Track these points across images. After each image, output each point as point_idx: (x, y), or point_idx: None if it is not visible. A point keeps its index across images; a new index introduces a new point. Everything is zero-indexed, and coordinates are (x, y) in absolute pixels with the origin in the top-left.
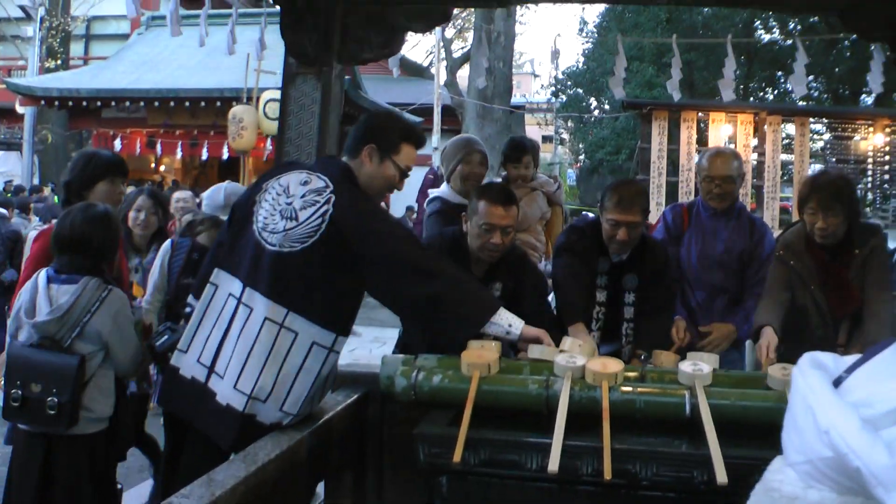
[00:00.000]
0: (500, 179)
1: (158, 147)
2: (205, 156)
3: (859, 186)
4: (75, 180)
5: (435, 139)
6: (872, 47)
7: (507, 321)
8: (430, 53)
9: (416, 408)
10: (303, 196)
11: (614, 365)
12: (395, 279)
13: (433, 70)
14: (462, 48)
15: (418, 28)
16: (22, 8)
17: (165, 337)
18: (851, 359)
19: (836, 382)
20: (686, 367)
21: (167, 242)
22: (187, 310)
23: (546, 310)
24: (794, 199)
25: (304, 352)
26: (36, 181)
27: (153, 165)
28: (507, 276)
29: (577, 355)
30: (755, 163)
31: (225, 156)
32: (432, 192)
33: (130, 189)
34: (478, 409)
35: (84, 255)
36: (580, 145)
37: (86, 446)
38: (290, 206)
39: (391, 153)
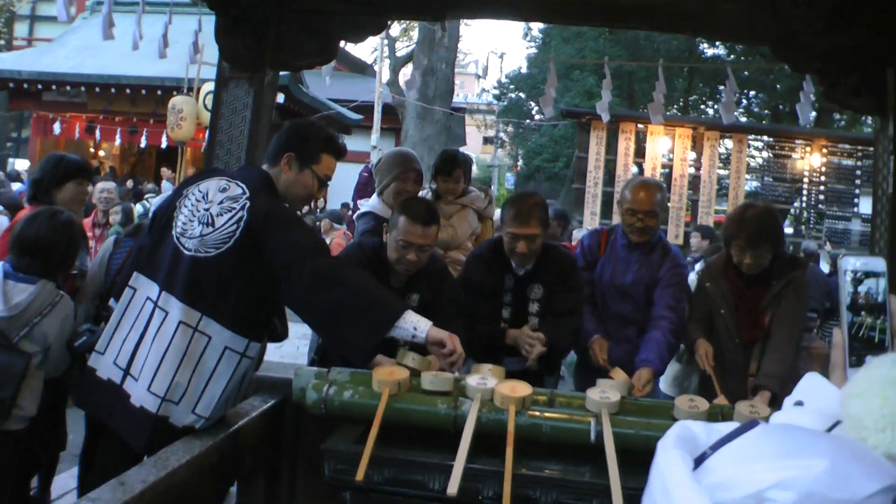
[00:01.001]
0: (428, 191)
1: (97, 133)
2: (144, 144)
3: (794, 205)
4: (45, 178)
5: (374, 138)
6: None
7: (413, 324)
8: (375, 51)
9: (330, 419)
10: (220, 203)
11: (523, 389)
12: (301, 287)
13: (376, 68)
14: (407, 46)
15: (353, 38)
16: None
17: (84, 338)
18: (723, 428)
19: (701, 458)
20: (594, 394)
21: (111, 239)
22: (105, 312)
23: (460, 322)
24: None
25: (217, 356)
26: None
27: (91, 150)
28: (425, 287)
29: (488, 377)
30: (691, 176)
31: (164, 144)
32: (363, 206)
33: None
34: (389, 426)
35: (46, 261)
36: (519, 150)
37: (12, 442)
38: (208, 213)
39: (310, 162)
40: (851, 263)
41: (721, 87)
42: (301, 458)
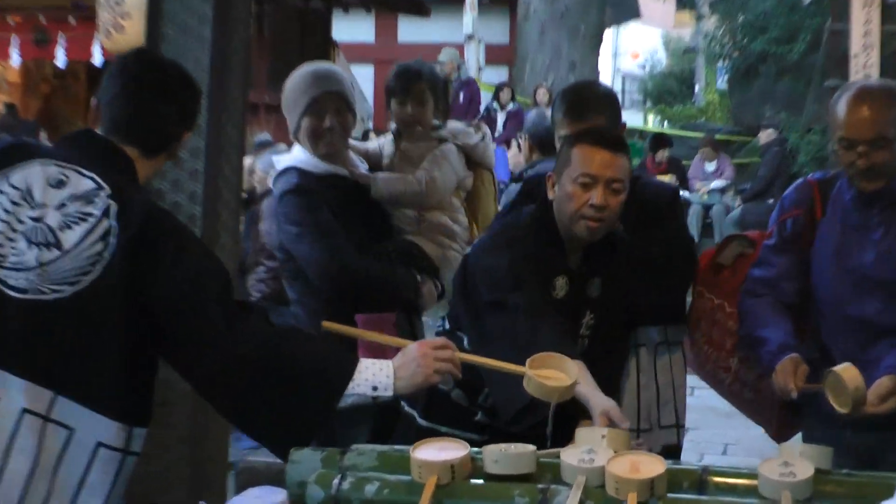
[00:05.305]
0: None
1: None
2: (61, 61)
3: None
4: None
5: (468, 20)
6: None
7: (371, 377)
8: None
9: None
10: (61, 206)
11: (650, 466)
12: (201, 342)
13: None
14: None
15: None
16: None
17: None
18: None
19: None
20: (771, 470)
21: None
22: None
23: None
24: None
25: (87, 458)
26: None
27: None
28: (602, 265)
29: (598, 448)
30: None
31: (97, 60)
32: (280, 161)
33: None
34: None
35: None
36: (736, 24)
37: None
38: (41, 225)
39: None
40: None
41: None
42: None
